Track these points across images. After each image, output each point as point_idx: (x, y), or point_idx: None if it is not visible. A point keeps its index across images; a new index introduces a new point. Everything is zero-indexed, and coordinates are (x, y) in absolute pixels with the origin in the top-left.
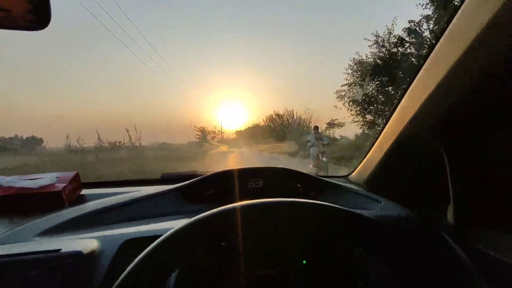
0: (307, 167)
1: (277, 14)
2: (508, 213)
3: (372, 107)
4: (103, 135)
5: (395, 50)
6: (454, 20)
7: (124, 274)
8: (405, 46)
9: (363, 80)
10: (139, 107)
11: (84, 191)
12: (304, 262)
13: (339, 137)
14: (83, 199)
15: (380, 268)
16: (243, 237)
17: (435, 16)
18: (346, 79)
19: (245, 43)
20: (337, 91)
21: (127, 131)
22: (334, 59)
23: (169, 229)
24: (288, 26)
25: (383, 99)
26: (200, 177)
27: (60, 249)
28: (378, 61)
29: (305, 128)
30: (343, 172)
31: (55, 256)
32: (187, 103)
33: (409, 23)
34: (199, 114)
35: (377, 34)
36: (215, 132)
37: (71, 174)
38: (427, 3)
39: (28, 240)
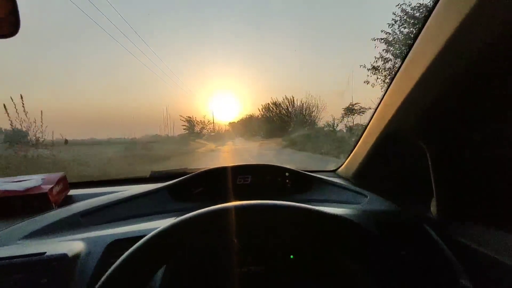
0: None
1: None
2: (489, 207)
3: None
4: (90, 129)
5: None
6: (430, 18)
7: (107, 274)
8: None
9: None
10: (127, 100)
11: (72, 192)
12: (292, 257)
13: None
14: (71, 200)
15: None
16: (229, 237)
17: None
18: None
19: (237, 30)
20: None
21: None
22: (335, 42)
23: (157, 228)
24: (282, 9)
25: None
26: (189, 175)
27: (45, 252)
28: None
29: (309, 117)
30: (331, 167)
31: (40, 260)
32: (178, 96)
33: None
34: (191, 107)
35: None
36: (204, 122)
37: (58, 175)
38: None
39: (12, 244)
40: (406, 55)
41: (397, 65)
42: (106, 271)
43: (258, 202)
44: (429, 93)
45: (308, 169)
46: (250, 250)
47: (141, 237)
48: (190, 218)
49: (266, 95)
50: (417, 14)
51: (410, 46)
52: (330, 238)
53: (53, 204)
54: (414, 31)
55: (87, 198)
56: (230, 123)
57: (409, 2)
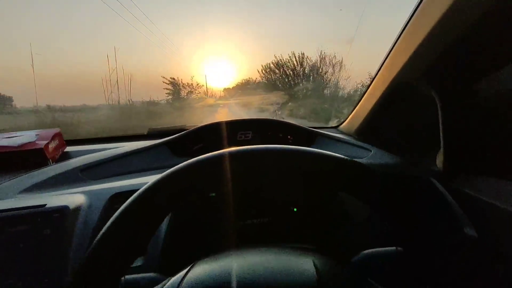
0: None
1: None
2: (496, 160)
3: None
4: (81, 94)
5: None
6: None
7: (108, 225)
8: None
9: None
10: (120, 64)
11: (68, 148)
12: (295, 210)
13: None
14: (68, 156)
15: (364, 210)
16: (232, 186)
17: None
18: None
19: None
20: None
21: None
22: None
23: None
24: None
25: None
26: (188, 130)
27: (46, 204)
28: None
29: (327, 79)
30: (333, 123)
31: (41, 211)
32: (171, 60)
33: None
34: (185, 71)
35: None
36: (192, 86)
37: (53, 130)
38: None
39: (11, 197)
40: (419, 3)
41: None
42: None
43: (260, 146)
44: (443, 40)
45: (310, 126)
46: (253, 202)
47: None
48: (192, 163)
49: (264, 60)
50: None
51: None
52: (335, 179)
53: (50, 160)
54: None
55: (84, 155)
56: (225, 89)
57: None
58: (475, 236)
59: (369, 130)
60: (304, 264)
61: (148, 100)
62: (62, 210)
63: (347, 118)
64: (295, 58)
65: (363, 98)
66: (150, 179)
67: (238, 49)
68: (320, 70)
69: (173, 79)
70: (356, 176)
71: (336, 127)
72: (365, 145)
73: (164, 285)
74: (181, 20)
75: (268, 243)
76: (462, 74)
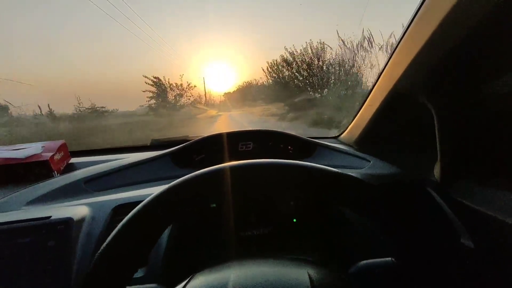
0: None
1: None
2: (493, 169)
3: None
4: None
5: None
6: None
7: (111, 236)
8: None
9: None
10: (118, 71)
11: (73, 160)
12: (295, 220)
13: None
14: (72, 168)
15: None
16: (232, 198)
17: None
18: None
19: None
20: None
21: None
22: None
23: None
24: None
25: None
26: (191, 141)
27: (51, 216)
28: None
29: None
30: (334, 133)
31: (46, 223)
32: (169, 65)
33: None
34: (184, 77)
35: None
36: (183, 88)
37: (58, 143)
38: None
39: (17, 209)
40: (416, 11)
41: None
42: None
43: (260, 160)
44: (439, 52)
45: (310, 136)
46: (253, 214)
47: None
48: (193, 176)
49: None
50: None
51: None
52: (332, 194)
53: (55, 172)
54: None
55: (88, 166)
56: (225, 93)
57: None
58: (471, 246)
59: (368, 140)
60: (299, 275)
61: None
62: (67, 222)
63: (347, 128)
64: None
65: (362, 108)
66: (153, 191)
67: (239, 51)
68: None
69: (158, 78)
70: (352, 190)
71: (336, 137)
72: (364, 155)
73: None
74: (180, 22)
75: (266, 254)
76: (458, 85)
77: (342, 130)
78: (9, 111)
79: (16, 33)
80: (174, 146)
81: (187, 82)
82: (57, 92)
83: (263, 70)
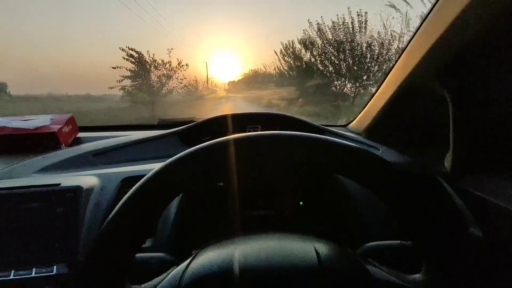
0: None
1: None
2: (506, 161)
3: None
4: (82, 86)
5: None
6: None
7: (120, 204)
8: None
9: None
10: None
11: (80, 134)
12: (301, 203)
13: None
14: (80, 142)
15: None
16: (239, 174)
17: None
18: None
19: None
20: None
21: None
22: None
23: None
24: None
25: None
26: (198, 121)
27: (60, 184)
28: None
29: None
30: (342, 121)
31: (55, 190)
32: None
33: None
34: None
35: None
36: (171, 67)
37: (67, 116)
38: None
39: (27, 176)
40: (436, 2)
41: None
42: None
43: (271, 132)
44: (457, 41)
45: (319, 123)
46: (259, 195)
47: None
48: (203, 146)
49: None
50: None
51: None
52: (344, 167)
53: (63, 144)
54: None
55: (96, 141)
56: (230, 82)
57: None
58: (480, 236)
59: (378, 129)
60: (305, 249)
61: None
62: (75, 190)
63: (356, 117)
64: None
65: (373, 98)
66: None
67: (246, 37)
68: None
69: (138, 52)
70: (366, 166)
71: (345, 126)
72: (373, 143)
73: (169, 273)
74: (186, 6)
75: (271, 231)
76: (476, 75)
77: (351, 119)
78: (7, 90)
79: None
80: (180, 126)
81: (178, 60)
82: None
83: (275, 53)
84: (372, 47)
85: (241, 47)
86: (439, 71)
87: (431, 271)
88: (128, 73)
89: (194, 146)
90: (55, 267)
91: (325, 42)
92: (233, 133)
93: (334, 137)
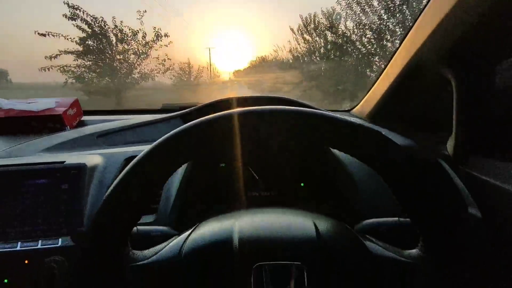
0: None
1: None
2: (508, 143)
3: None
4: None
5: None
6: None
7: (118, 179)
8: None
9: None
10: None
11: (85, 117)
12: (302, 184)
13: None
14: (84, 125)
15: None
16: (242, 152)
17: None
18: None
19: None
20: None
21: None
22: None
23: None
24: None
25: None
26: (202, 104)
27: (64, 161)
28: None
29: None
30: (346, 107)
31: (60, 167)
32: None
33: None
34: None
35: None
36: (146, 42)
37: (71, 99)
38: None
39: (33, 155)
40: None
41: None
42: None
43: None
44: (463, 21)
45: (322, 108)
46: (261, 176)
47: None
48: (205, 119)
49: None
50: None
51: None
52: (347, 144)
53: (68, 127)
54: None
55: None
56: (235, 71)
57: None
58: (479, 217)
59: (381, 113)
60: (305, 223)
61: None
62: (80, 168)
63: (360, 102)
64: None
65: (376, 82)
66: None
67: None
68: None
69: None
70: (369, 142)
71: (348, 111)
72: (376, 127)
73: (170, 242)
74: None
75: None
76: (481, 56)
77: (355, 104)
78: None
79: None
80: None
81: (156, 29)
82: None
83: (291, 30)
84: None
85: (250, 28)
86: (444, 53)
87: (428, 247)
88: (78, 48)
89: None
90: (60, 239)
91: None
92: None
93: None
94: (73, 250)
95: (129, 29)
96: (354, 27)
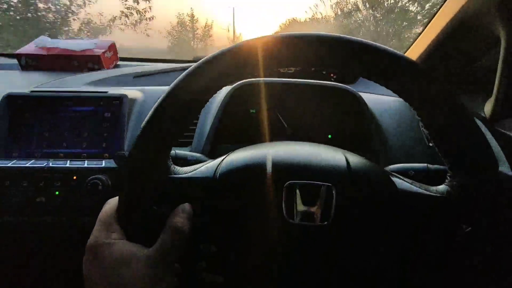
0: None
1: None
2: None
3: None
4: None
5: None
6: None
7: (160, 99)
8: None
9: None
10: None
11: (120, 62)
12: (330, 136)
13: None
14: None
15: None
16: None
17: None
18: None
19: None
20: None
21: None
22: None
23: None
24: None
25: None
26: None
27: (107, 92)
28: None
29: None
30: None
31: (103, 97)
32: None
33: None
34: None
35: None
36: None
37: (109, 41)
38: None
39: (77, 87)
40: None
41: None
42: None
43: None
44: None
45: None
46: (291, 126)
47: None
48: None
49: None
50: None
51: None
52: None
53: (105, 67)
54: None
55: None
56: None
57: None
58: (509, 175)
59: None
60: (336, 155)
61: None
62: (121, 98)
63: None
64: None
65: (423, 33)
66: None
67: None
68: None
69: None
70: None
71: None
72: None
73: (206, 163)
74: None
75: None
76: None
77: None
78: None
79: None
80: None
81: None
82: None
83: None
84: None
85: None
86: (496, 4)
87: (455, 183)
88: None
89: None
90: (103, 161)
91: None
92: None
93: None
94: (115, 172)
95: None
96: None
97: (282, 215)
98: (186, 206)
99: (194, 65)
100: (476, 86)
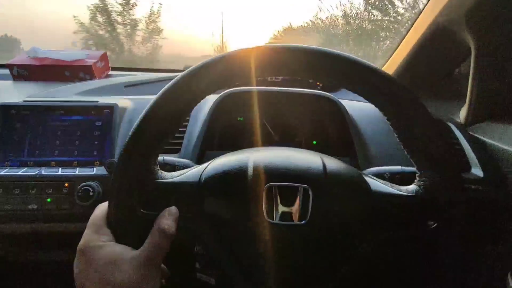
0: None
1: None
2: None
3: None
4: None
5: None
6: None
7: (151, 104)
8: None
9: None
10: None
11: (111, 72)
12: (315, 142)
13: None
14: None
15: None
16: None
17: None
18: None
19: None
20: None
21: None
22: None
23: None
24: None
25: None
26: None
27: (98, 101)
28: None
29: None
30: None
31: (94, 106)
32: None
33: None
34: None
35: None
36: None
37: (100, 52)
38: None
39: (69, 96)
40: None
41: None
42: None
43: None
44: None
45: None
46: (278, 132)
47: None
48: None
49: None
50: None
51: None
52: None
53: (96, 78)
54: None
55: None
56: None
57: None
58: (480, 176)
59: (399, 79)
60: (313, 158)
61: None
62: (112, 107)
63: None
64: None
65: (398, 47)
66: None
67: None
68: None
69: None
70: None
71: None
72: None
73: (192, 169)
74: None
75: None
76: (504, 23)
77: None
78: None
79: None
80: None
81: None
82: None
83: None
84: None
85: None
86: (466, 16)
87: (422, 182)
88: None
89: None
90: (94, 168)
91: None
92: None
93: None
94: (107, 179)
95: None
96: None
97: (262, 216)
98: (173, 209)
99: (178, 75)
100: (452, 93)
